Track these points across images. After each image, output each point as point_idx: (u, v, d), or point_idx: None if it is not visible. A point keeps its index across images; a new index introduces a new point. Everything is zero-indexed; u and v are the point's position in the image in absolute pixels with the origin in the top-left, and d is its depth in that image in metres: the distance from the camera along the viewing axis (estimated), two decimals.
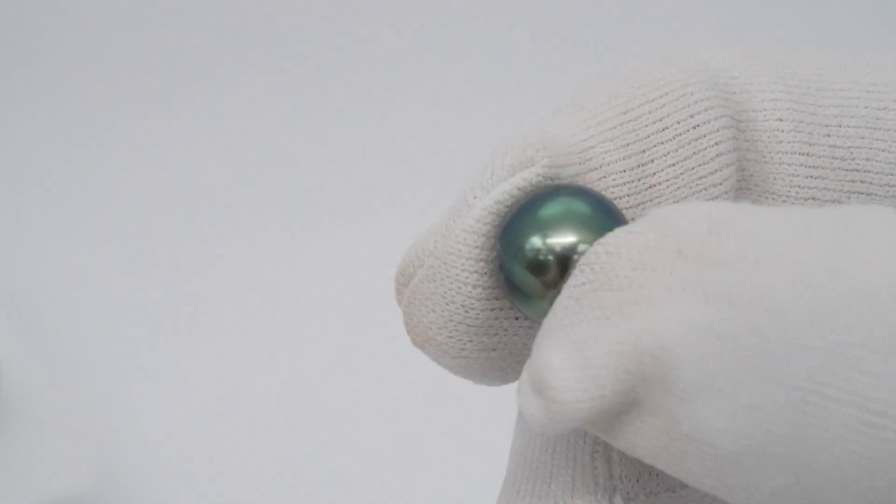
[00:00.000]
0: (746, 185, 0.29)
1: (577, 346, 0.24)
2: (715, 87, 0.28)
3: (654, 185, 0.27)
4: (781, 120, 0.28)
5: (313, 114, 0.68)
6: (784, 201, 0.28)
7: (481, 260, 0.27)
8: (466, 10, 0.69)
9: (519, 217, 0.26)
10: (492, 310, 0.27)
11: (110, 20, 0.67)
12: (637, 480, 0.27)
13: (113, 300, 0.66)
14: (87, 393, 0.62)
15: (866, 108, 0.29)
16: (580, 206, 0.26)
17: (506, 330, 0.27)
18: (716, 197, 0.28)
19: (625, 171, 0.27)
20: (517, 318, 0.27)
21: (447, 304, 0.27)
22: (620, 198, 0.27)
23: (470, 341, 0.27)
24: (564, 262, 0.26)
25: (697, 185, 0.28)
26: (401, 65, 0.69)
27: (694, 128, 0.28)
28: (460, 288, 0.27)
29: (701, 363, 0.23)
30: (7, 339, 0.61)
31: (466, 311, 0.27)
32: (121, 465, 0.60)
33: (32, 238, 0.67)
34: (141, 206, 0.69)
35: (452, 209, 0.27)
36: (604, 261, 0.25)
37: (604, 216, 0.26)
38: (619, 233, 0.25)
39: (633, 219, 0.27)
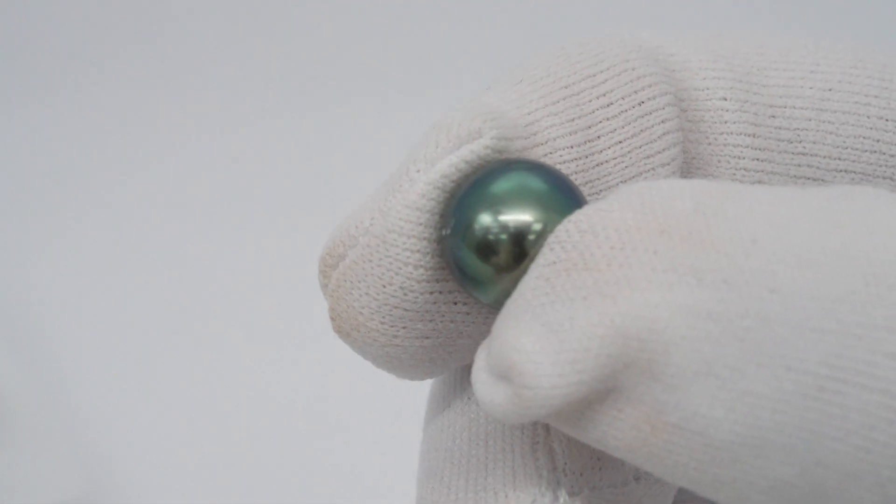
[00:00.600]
0: (689, 167, 0.27)
1: (550, 329, 0.23)
2: (655, 64, 0.27)
3: (602, 164, 0.26)
4: (725, 99, 0.27)
5: (306, 116, 0.68)
6: None
7: (424, 238, 0.25)
8: (462, 12, 0.69)
9: (468, 192, 0.24)
10: (431, 293, 0.25)
11: (102, 24, 0.67)
12: (581, 474, 0.26)
13: (100, 310, 0.66)
14: (73, 405, 0.62)
15: (811, 88, 0.28)
16: (535, 183, 0.24)
17: (443, 315, 0.26)
18: (663, 177, 0.26)
19: (572, 146, 0.26)
20: (455, 303, 0.26)
21: (384, 287, 0.25)
22: (568, 175, 0.26)
23: (403, 328, 0.26)
24: (518, 241, 0.24)
25: (645, 164, 0.26)
26: (397, 67, 0.68)
27: (639, 104, 0.26)
28: (400, 268, 0.25)
29: (695, 348, 0.22)
30: None
31: (405, 294, 0.25)
32: (107, 478, 0.60)
33: (16, 248, 0.67)
34: (125, 220, 0.68)
35: (389, 184, 0.25)
36: (576, 239, 0.23)
37: (561, 194, 0.24)
38: (590, 210, 0.24)
39: (588, 197, 0.26)
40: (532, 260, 0.24)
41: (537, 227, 0.24)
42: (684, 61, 0.27)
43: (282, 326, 0.65)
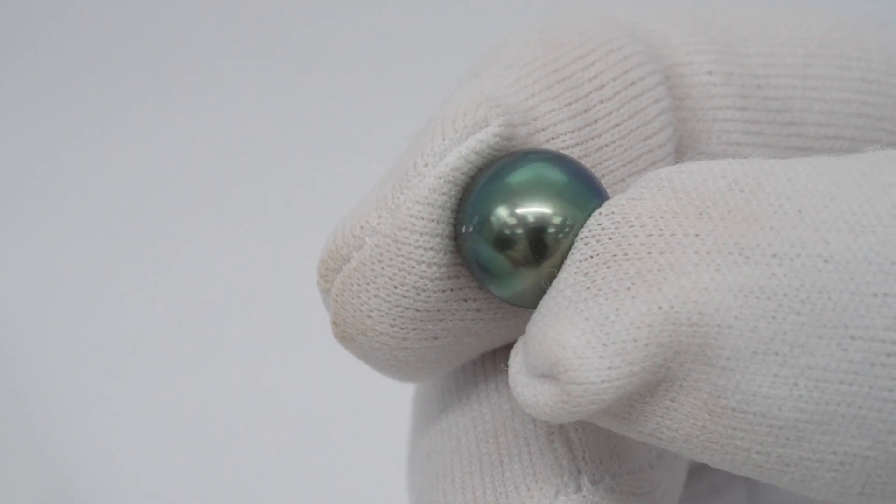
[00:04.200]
0: (679, 146, 0.27)
1: (595, 322, 0.22)
2: (638, 41, 0.26)
3: (602, 147, 0.25)
4: (711, 73, 0.27)
5: (298, 114, 0.68)
6: None
7: (437, 235, 0.24)
8: (460, 12, 0.69)
9: (484, 185, 0.24)
10: (443, 291, 0.24)
11: (91, 20, 0.67)
12: (601, 462, 0.25)
13: (87, 312, 0.65)
14: (42, 429, 0.61)
15: (793, 55, 0.27)
16: (554, 174, 0.24)
17: (453, 314, 0.25)
18: (662, 158, 0.26)
19: (572, 131, 0.25)
20: (466, 301, 0.25)
21: (395, 287, 0.24)
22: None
23: (414, 329, 0.25)
24: (538, 234, 0.23)
25: (643, 146, 0.26)
26: (390, 64, 0.68)
27: (631, 85, 0.26)
28: (413, 267, 0.24)
29: (750, 327, 0.22)
30: None
31: (418, 294, 0.24)
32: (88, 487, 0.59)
33: None
34: (109, 218, 0.68)
35: (393, 180, 0.24)
36: (612, 231, 0.23)
37: (581, 185, 0.24)
38: (621, 201, 0.23)
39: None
40: (555, 255, 0.24)
41: (557, 219, 0.23)
42: (665, 37, 0.27)
43: (277, 329, 0.64)
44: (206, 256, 0.67)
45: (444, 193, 0.24)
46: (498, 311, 0.25)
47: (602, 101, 0.25)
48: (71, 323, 0.64)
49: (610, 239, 0.23)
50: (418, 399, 0.28)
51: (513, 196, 0.23)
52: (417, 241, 0.24)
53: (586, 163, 0.25)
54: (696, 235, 0.22)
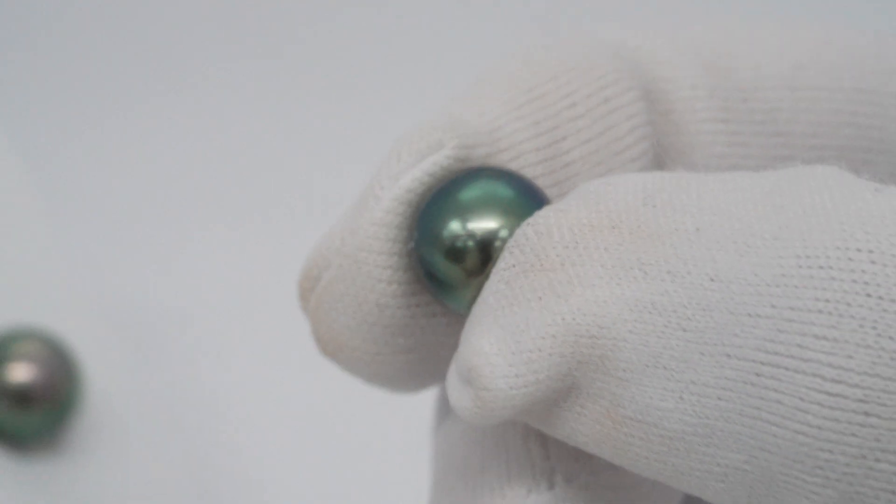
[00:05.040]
0: (663, 160, 0.27)
1: (508, 331, 0.23)
2: (619, 59, 0.27)
3: (570, 164, 0.26)
4: (695, 87, 0.27)
5: (299, 115, 0.68)
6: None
7: (395, 254, 0.25)
8: (458, 12, 0.69)
9: (435, 202, 0.25)
10: (408, 307, 0.26)
11: (99, 18, 0.67)
12: (576, 460, 0.26)
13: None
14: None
15: (781, 67, 0.28)
16: (501, 189, 0.25)
17: (423, 329, 0.26)
18: (636, 172, 0.26)
19: (538, 149, 0.26)
20: (434, 316, 0.26)
21: (360, 305, 0.26)
22: (536, 178, 0.26)
23: (385, 343, 0.26)
24: (486, 248, 0.25)
25: (614, 161, 0.26)
26: (392, 66, 0.68)
27: (605, 101, 0.26)
28: (374, 286, 0.25)
29: (643, 341, 0.22)
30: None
31: (381, 311, 0.26)
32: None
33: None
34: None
35: (358, 204, 0.26)
36: (534, 241, 0.24)
37: (527, 199, 0.25)
38: (547, 211, 0.24)
39: (554, 199, 0.26)
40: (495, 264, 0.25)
41: (504, 233, 0.25)
42: (650, 52, 0.28)
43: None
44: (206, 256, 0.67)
45: (399, 214, 0.25)
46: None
47: (573, 119, 0.26)
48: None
49: (531, 249, 0.24)
50: (435, 403, 0.30)
51: (464, 211, 0.25)
52: (376, 260, 0.25)
53: (553, 178, 0.26)
54: (605, 249, 0.23)
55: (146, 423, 0.52)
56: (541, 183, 0.26)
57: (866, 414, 0.21)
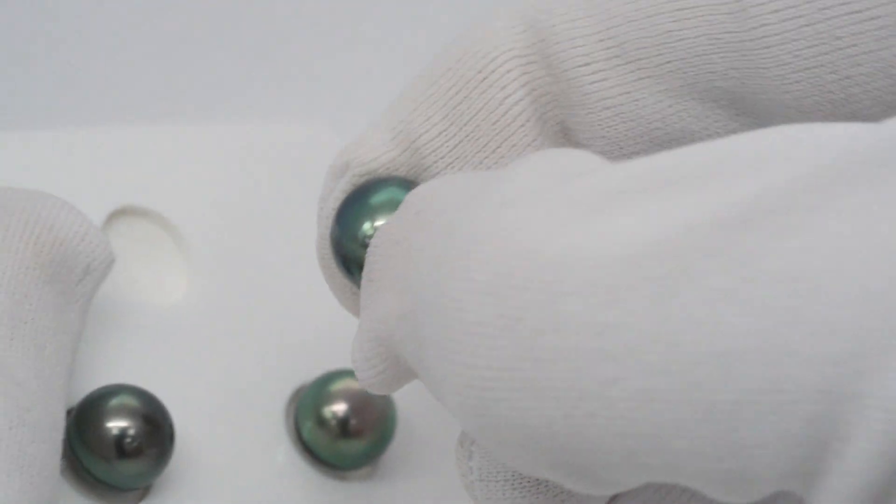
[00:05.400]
0: (567, 121, 0.29)
1: (357, 333, 0.28)
2: (528, 32, 0.29)
3: (460, 143, 0.30)
4: (583, 36, 0.29)
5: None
6: (616, 147, 0.29)
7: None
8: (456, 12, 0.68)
9: (351, 207, 0.30)
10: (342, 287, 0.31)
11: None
12: None
13: None
14: None
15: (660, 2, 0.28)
16: (403, 196, 0.29)
17: (353, 301, 0.32)
18: (524, 138, 0.29)
19: (449, 142, 0.30)
20: (354, 294, 0.32)
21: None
22: (453, 167, 0.30)
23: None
24: None
25: (494, 129, 0.29)
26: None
27: (482, 80, 0.29)
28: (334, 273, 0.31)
29: (407, 347, 0.26)
30: None
31: (342, 302, 0.32)
32: None
33: None
34: None
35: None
36: (371, 251, 0.28)
37: None
38: (384, 223, 0.28)
39: None
40: None
41: None
42: (551, 27, 0.29)
43: None
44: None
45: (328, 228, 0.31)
46: None
47: (459, 104, 0.30)
48: None
49: (370, 258, 0.28)
50: None
51: (374, 213, 0.30)
52: (331, 261, 0.31)
53: (455, 161, 0.30)
54: (392, 262, 0.27)
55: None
56: (459, 169, 0.30)
57: None
